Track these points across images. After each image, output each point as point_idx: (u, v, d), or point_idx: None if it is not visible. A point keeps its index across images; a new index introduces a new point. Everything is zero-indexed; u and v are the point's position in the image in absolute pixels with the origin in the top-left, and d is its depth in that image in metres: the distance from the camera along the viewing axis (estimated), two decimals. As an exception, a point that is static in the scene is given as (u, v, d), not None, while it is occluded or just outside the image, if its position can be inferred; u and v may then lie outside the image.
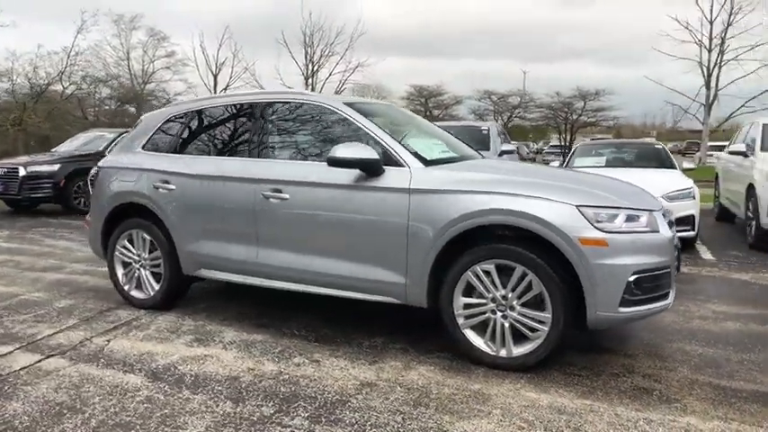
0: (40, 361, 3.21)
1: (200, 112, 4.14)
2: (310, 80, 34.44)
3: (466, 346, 3.13)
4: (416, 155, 3.36)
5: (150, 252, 4.15)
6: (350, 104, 3.67)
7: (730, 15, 22.96)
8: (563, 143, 35.83)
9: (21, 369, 3.09)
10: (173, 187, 3.96)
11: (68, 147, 11.58)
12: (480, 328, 3.12)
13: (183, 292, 4.28)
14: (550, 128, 41.27)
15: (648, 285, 2.88)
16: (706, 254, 6.30)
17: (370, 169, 3.27)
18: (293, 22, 49.74)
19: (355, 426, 2.46)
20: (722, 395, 2.74)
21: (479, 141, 8.15)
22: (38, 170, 9.92)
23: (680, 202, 6.14)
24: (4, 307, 4.26)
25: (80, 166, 10.17)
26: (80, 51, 27.13)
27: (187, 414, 2.57)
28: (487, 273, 3.03)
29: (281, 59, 41.16)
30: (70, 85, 26.78)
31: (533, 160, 30.74)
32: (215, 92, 35.70)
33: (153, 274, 4.18)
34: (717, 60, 23.81)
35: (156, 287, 4.14)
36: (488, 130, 8.79)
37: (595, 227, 2.83)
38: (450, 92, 39.72)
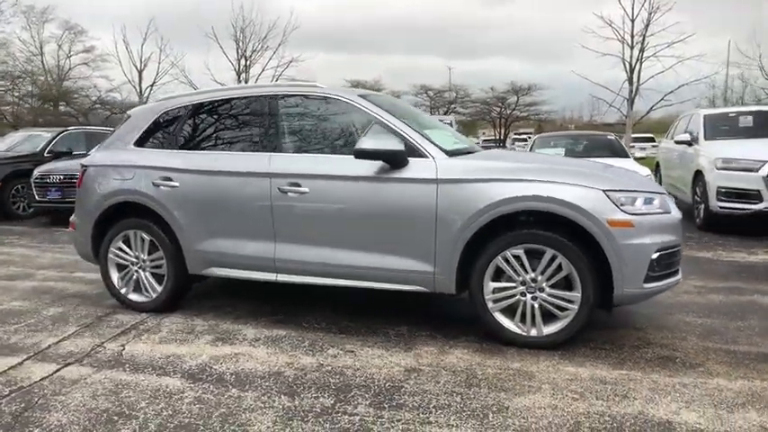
0: (58, 370, 3.02)
1: (201, 106, 4.01)
2: (243, 75, 33.55)
3: (496, 329, 3.25)
4: (437, 146, 3.44)
5: (150, 253, 3.98)
6: (364, 97, 3.70)
7: (650, 14, 24.63)
8: (498, 137, 37.12)
9: (41, 380, 2.90)
10: (175, 184, 3.82)
11: (-1, 147, 10.72)
12: (509, 311, 3.25)
13: (185, 293, 4.14)
14: (481, 122, 42.57)
15: (666, 262, 3.13)
16: (664, 236, 6.80)
17: (396, 161, 3.32)
18: (223, 16, 48.09)
19: (420, 408, 2.52)
20: (735, 358, 3.03)
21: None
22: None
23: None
24: (-14, 318, 3.95)
25: (17, 168, 9.45)
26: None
27: (246, 411, 2.53)
28: (517, 257, 3.17)
29: (212, 54, 39.62)
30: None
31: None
32: (140, 89, 34.02)
33: (153, 275, 4.01)
34: (638, 56, 25.47)
35: (159, 289, 3.98)
36: (452, 123, 9.01)
37: (621, 209, 3.03)
38: (387, 87, 40.09)
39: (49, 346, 3.40)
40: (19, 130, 12.22)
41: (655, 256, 3.04)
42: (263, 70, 33.01)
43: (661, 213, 3.15)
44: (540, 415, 2.45)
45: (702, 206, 7.16)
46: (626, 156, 8.05)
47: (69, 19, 34.15)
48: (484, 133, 45.81)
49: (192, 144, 3.97)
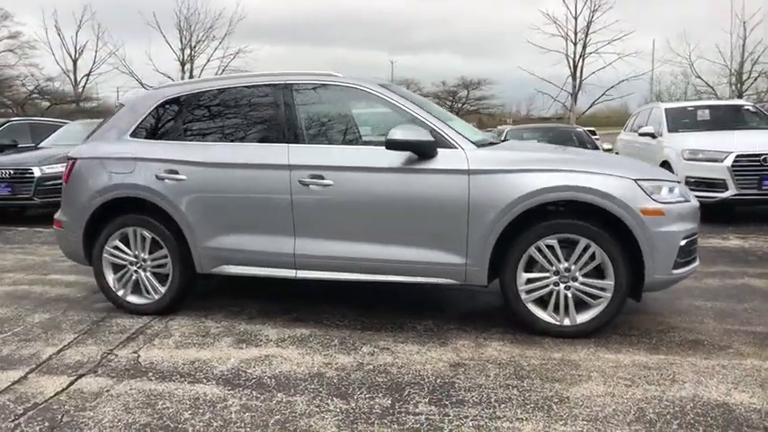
0: (72, 383, 2.75)
1: (207, 95, 3.75)
2: (187, 66, 32.27)
3: (529, 319, 3.25)
4: (464, 136, 3.39)
5: (151, 252, 3.72)
6: (385, 86, 3.59)
7: (592, 12, 25.68)
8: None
9: (56, 394, 2.63)
10: (182, 177, 3.57)
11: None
12: (540, 301, 3.26)
13: (189, 293, 3.89)
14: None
15: (689, 249, 3.23)
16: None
17: (426, 151, 3.24)
18: (165, 4, 45.94)
19: (482, 404, 2.47)
20: (758, 339, 3.17)
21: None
22: None
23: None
24: (-35, 328, 3.56)
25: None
26: None
27: (303, 417, 2.39)
28: (551, 247, 3.17)
29: (154, 44, 37.77)
30: None
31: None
32: (75, 78, 32.03)
33: (155, 275, 3.74)
34: (581, 53, 26.53)
35: (162, 289, 3.72)
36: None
37: (652, 198, 3.09)
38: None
39: (51, 356, 3.10)
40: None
41: (683, 242, 3.13)
42: (208, 60, 31.91)
43: (684, 201, 3.25)
44: (602, 403, 2.46)
45: (669, 195, 7.50)
46: (595, 147, 8.32)
47: (-10, 2, 31.65)
48: None
49: (199, 135, 3.71)
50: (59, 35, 30.15)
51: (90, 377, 2.82)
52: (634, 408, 2.42)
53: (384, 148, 3.25)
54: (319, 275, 3.48)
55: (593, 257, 3.14)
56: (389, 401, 2.51)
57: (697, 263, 3.37)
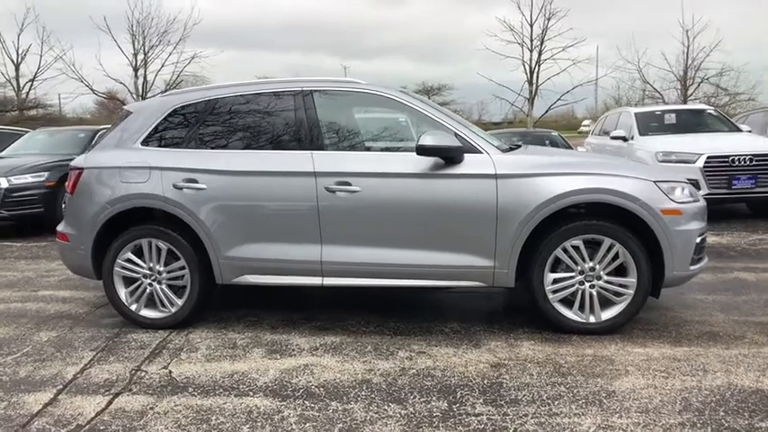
0: (110, 402, 2.64)
1: (224, 101, 3.67)
2: (141, 71, 31.23)
3: (556, 318, 3.35)
4: (489, 142, 3.47)
5: (167, 263, 3.61)
6: (406, 93, 3.63)
7: (547, 20, 26.52)
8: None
9: (97, 414, 2.52)
10: (203, 186, 3.49)
11: None
12: (565, 300, 3.37)
13: (207, 304, 3.80)
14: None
15: (702, 245, 3.42)
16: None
17: (453, 157, 3.30)
18: (117, 6, 44.33)
19: (537, 402, 2.54)
20: (767, 329, 3.38)
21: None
22: None
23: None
24: (-32, 350, 3.35)
25: None
26: None
27: (366, 423, 2.39)
28: (576, 248, 3.29)
29: (104, 48, 36.31)
30: None
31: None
32: (18, 84, 30.42)
33: (171, 287, 3.64)
34: (537, 59, 27.35)
35: (180, 302, 3.61)
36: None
37: (670, 198, 3.26)
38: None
39: (75, 375, 2.97)
40: None
41: (698, 240, 3.31)
42: (162, 66, 30.96)
43: (694, 201, 3.43)
44: (648, 395, 2.57)
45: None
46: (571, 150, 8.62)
47: None
48: None
49: (217, 143, 3.63)
50: (-1, 38, 28.55)
51: (127, 395, 2.72)
52: (678, 398, 2.54)
53: (412, 153, 3.29)
54: (347, 282, 3.47)
55: (616, 257, 3.27)
56: (446, 404, 2.54)
57: (707, 259, 3.57)
